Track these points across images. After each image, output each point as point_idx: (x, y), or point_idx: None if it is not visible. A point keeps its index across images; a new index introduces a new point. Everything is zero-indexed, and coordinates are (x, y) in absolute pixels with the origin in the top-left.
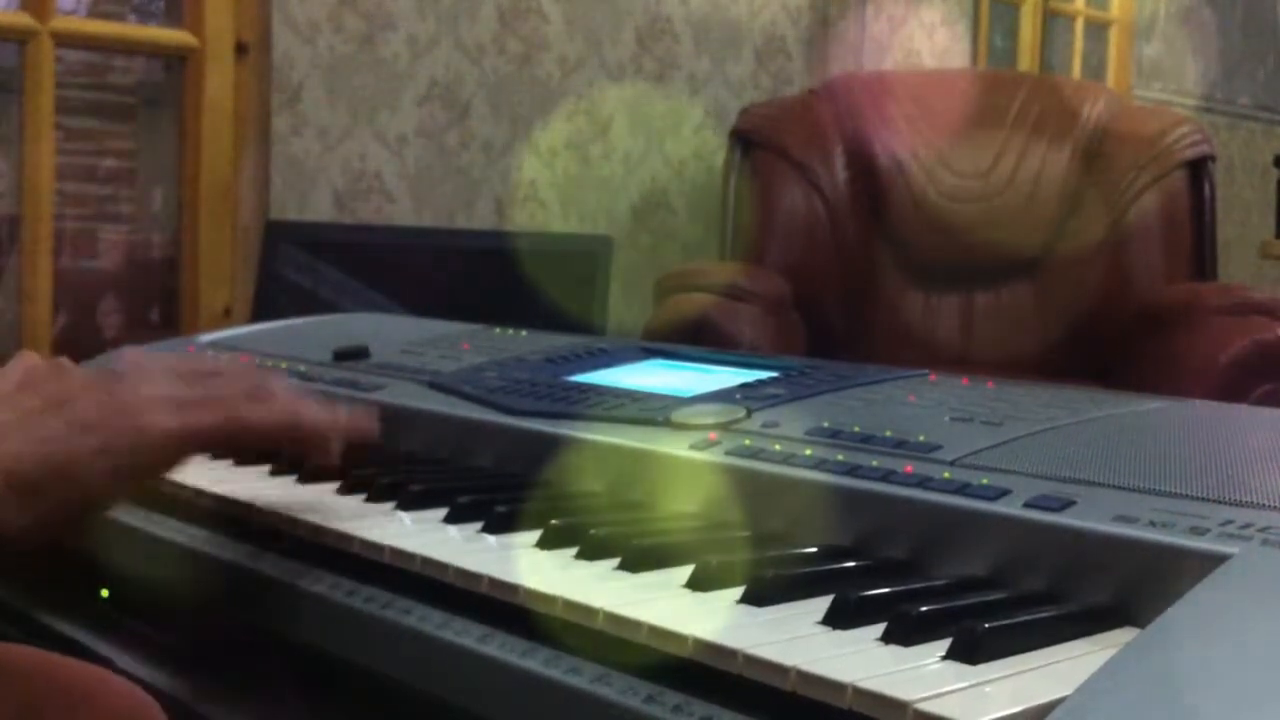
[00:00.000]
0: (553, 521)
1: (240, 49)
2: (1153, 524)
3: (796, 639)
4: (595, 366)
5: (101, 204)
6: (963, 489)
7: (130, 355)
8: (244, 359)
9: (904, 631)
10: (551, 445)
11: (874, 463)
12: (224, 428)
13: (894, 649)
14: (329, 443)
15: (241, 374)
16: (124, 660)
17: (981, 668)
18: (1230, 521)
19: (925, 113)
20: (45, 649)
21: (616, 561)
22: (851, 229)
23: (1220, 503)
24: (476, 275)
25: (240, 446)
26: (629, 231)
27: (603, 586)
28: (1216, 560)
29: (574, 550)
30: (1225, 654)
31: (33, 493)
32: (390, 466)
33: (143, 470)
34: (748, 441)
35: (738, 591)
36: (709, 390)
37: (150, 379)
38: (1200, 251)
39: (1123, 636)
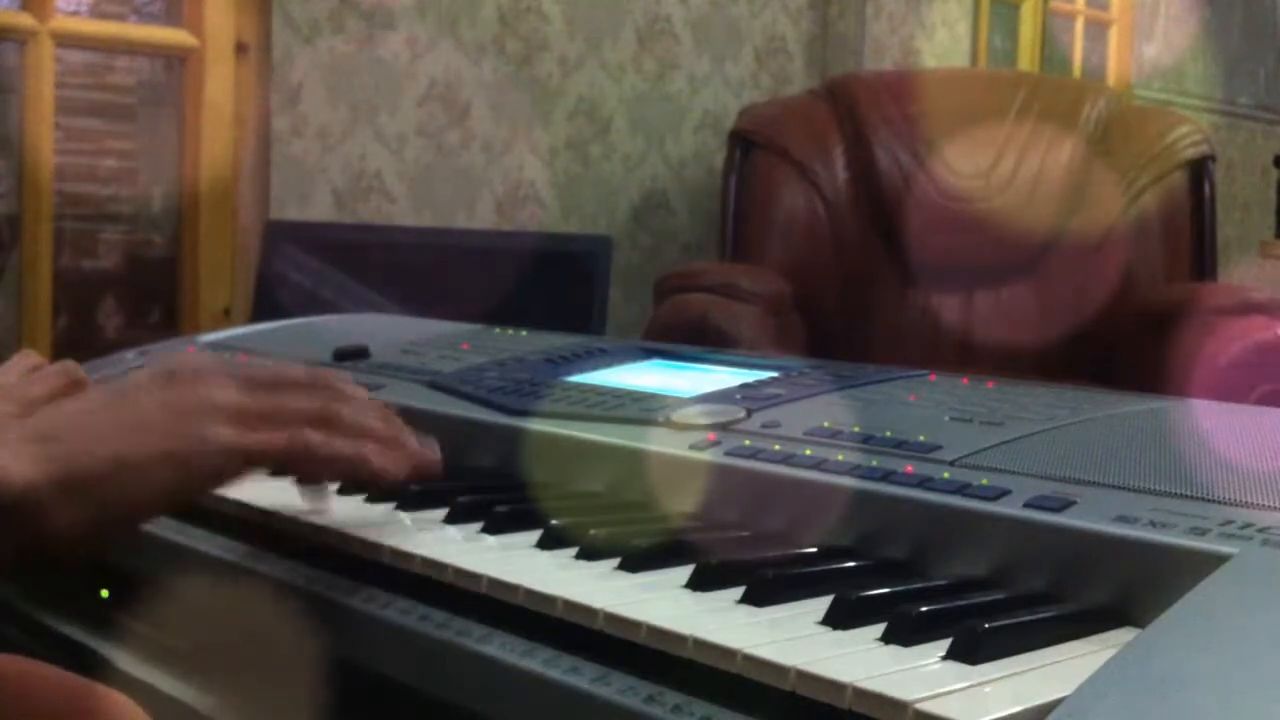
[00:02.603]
0: (553, 522)
1: (240, 49)
2: (1153, 524)
3: (796, 639)
4: (595, 366)
5: (101, 204)
6: (963, 489)
7: (193, 357)
8: (243, 357)
9: (904, 632)
10: (551, 445)
11: (874, 463)
12: (288, 451)
13: (894, 649)
14: (392, 484)
15: (312, 390)
16: (124, 660)
17: (981, 668)
18: (1230, 521)
19: (925, 112)
20: (45, 649)
21: (616, 561)
22: (851, 229)
23: (1220, 503)
24: (476, 275)
25: (300, 471)
26: (629, 231)
27: (603, 586)
28: (1216, 560)
29: (574, 550)
30: (1225, 654)
31: (84, 495)
32: None
33: (198, 482)
34: (748, 441)
35: (738, 591)
36: (709, 390)
37: (217, 384)
38: (1200, 251)
39: (1123, 636)
